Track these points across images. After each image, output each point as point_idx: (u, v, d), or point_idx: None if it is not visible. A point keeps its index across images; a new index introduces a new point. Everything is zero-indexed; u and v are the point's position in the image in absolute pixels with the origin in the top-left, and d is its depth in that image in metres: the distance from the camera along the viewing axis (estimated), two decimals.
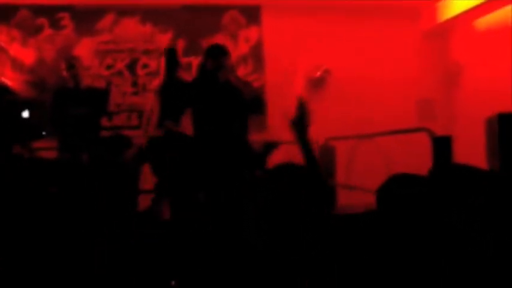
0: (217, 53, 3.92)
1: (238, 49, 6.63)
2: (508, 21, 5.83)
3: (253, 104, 3.96)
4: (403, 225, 1.66)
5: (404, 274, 1.57)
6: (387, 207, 1.72)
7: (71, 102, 4.69)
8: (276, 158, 4.55)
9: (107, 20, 6.40)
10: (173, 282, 2.40)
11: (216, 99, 3.91)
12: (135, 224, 3.72)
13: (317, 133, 6.32)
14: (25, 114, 4.29)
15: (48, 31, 6.31)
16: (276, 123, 4.50)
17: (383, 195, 1.72)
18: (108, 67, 6.41)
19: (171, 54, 4.19)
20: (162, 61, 5.40)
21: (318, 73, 6.74)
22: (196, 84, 4.03)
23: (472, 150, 5.26)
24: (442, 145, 3.76)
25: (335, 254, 1.86)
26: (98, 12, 6.36)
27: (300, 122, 2.29)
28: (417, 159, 4.60)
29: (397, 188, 1.74)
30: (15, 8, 6.23)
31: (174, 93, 4.49)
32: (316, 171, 2.16)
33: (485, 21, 6.27)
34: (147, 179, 4.92)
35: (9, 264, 2.50)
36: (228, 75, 3.90)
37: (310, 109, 2.35)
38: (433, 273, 1.53)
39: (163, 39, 6.48)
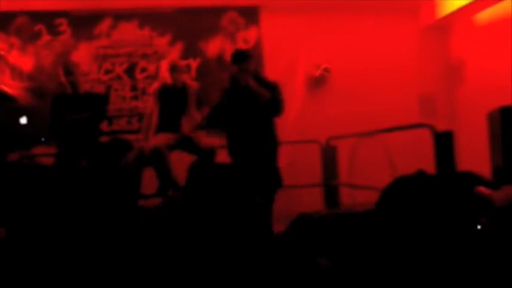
0: (239, 59, 4.20)
1: None
2: (508, 14, 5.78)
3: (268, 106, 4.12)
4: (404, 226, 1.63)
5: (404, 273, 1.54)
6: (390, 207, 1.69)
7: (69, 108, 4.68)
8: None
9: (105, 25, 6.38)
10: None
11: (238, 103, 4.17)
12: (136, 227, 3.69)
13: (319, 132, 6.32)
14: (23, 120, 4.28)
15: (46, 37, 6.30)
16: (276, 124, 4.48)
17: (387, 196, 1.69)
18: (107, 72, 6.39)
19: None
20: (161, 64, 5.44)
21: (318, 72, 6.71)
22: (227, 90, 4.32)
23: (474, 145, 5.23)
24: (444, 141, 3.72)
25: (337, 251, 1.83)
26: (95, 17, 6.34)
27: None
28: (419, 155, 4.57)
29: (402, 190, 1.71)
30: (12, 15, 6.22)
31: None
32: None
33: (485, 15, 6.23)
34: (149, 183, 4.90)
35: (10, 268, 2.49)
36: (247, 80, 4.12)
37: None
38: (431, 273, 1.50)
39: (162, 43, 6.46)
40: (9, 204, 3.32)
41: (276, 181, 4.22)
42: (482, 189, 1.72)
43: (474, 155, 4.56)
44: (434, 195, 1.59)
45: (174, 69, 5.08)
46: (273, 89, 4.23)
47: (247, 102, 4.14)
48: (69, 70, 4.77)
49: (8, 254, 2.68)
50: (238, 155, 4.21)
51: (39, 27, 6.29)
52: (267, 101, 4.11)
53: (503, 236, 1.60)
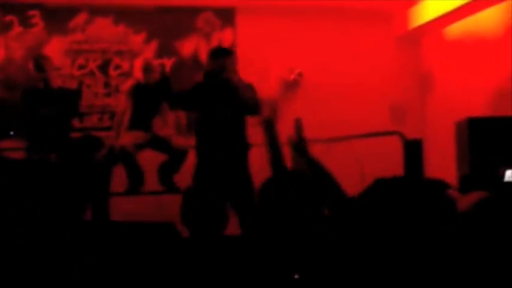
0: (220, 55, 4.14)
1: None
2: (476, 28, 5.95)
3: (250, 104, 4.08)
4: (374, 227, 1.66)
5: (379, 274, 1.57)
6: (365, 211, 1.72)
7: (40, 103, 4.60)
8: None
9: (79, 19, 6.28)
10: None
11: (217, 96, 4.08)
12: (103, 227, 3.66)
13: (290, 136, 6.31)
14: None
15: (17, 29, 6.16)
16: (248, 127, 4.50)
17: (364, 200, 1.73)
18: (80, 67, 6.30)
19: None
20: (135, 63, 5.40)
21: (292, 76, 6.76)
22: (201, 84, 4.22)
23: (442, 154, 5.36)
24: (413, 148, 3.81)
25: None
26: (70, 11, 6.23)
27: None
28: (389, 162, 4.66)
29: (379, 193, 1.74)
30: None
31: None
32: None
33: (455, 29, 6.39)
34: (118, 181, 4.87)
35: None
36: (230, 75, 4.07)
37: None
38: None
39: (137, 40, 6.41)
40: None
41: (247, 185, 4.13)
42: (452, 192, 1.77)
43: (442, 163, 4.68)
44: (405, 199, 1.63)
45: (147, 68, 5.06)
46: (251, 89, 4.20)
47: (225, 99, 4.08)
48: (40, 66, 4.65)
49: None
50: (209, 154, 4.11)
51: (10, 18, 6.15)
52: (250, 98, 4.06)
53: (466, 241, 1.65)
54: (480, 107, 5.42)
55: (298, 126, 2.35)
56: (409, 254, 1.58)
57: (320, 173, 2.14)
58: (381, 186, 1.69)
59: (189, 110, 4.53)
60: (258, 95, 4.19)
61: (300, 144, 2.28)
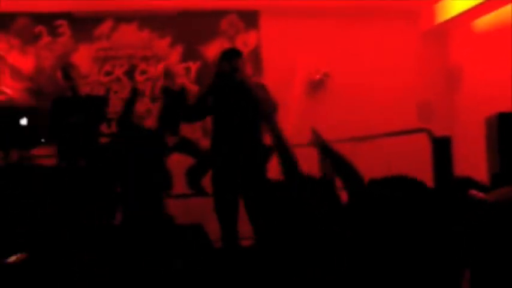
0: (232, 56, 4.11)
1: None
2: (506, 21, 5.81)
3: (265, 104, 4.03)
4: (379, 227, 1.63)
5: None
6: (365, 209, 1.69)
7: (69, 111, 4.69)
8: (274, 162, 4.55)
9: (105, 27, 6.39)
10: None
11: (232, 98, 4.06)
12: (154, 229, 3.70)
13: None
14: (23, 121, 4.29)
15: (46, 39, 6.31)
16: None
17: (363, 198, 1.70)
18: (107, 74, 6.40)
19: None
20: (159, 67, 5.45)
21: (317, 76, 6.73)
22: (214, 87, 4.18)
23: (472, 151, 5.25)
24: (441, 146, 3.73)
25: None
26: (95, 19, 6.36)
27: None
28: (417, 160, 4.59)
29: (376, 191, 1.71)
30: (13, 16, 6.23)
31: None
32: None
33: (484, 21, 6.26)
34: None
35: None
36: (243, 76, 4.05)
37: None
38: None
39: (162, 45, 6.48)
40: (8, 205, 3.33)
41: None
42: (474, 192, 1.73)
43: (472, 161, 4.58)
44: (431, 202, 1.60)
45: (167, 74, 5.13)
46: (264, 89, 4.17)
47: (241, 99, 4.05)
48: (68, 75, 4.77)
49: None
50: (223, 156, 4.08)
51: (40, 28, 6.30)
52: (263, 98, 4.02)
53: (496, 232, 1.62)
54: (511, 102, 5.29)
55: (316, 134, 2.31)
56: (412, 253, 1.54)
57: (348, 173, 2.11)
58: (376, 187, 1.66)
59: (203, 118, 4.48)
60: (271, 95, 4.14)
61: (324, 146, 2.25)
